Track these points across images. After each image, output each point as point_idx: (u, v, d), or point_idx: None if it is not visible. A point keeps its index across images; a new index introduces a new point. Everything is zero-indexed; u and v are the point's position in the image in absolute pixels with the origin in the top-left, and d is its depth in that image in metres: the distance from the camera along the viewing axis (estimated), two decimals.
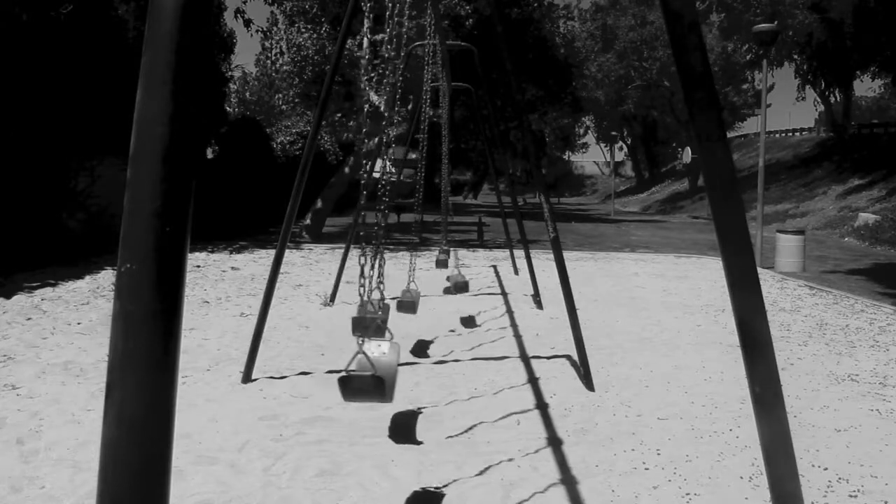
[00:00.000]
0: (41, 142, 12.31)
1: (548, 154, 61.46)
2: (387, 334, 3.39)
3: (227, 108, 27.73)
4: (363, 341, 3.04)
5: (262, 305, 5.75)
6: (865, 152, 35.01)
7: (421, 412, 4.93)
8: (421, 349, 6.80)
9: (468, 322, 8.21)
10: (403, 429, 4.59)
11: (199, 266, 12.57)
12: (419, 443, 4.34)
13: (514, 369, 6.14)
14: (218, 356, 6.39)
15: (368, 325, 3.19)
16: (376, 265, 3.80)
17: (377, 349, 3.12)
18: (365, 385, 2.93)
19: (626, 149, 72.47)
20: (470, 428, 4.62)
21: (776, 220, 29.02)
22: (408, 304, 6.09)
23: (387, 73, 3.74)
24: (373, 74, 16.93)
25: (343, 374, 2.96)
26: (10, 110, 11.67)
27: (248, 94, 40.39)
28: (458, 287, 8.05)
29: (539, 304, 9.36)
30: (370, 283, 3.43)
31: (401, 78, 10.34)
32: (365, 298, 3.25)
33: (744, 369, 2.24)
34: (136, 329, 1.24)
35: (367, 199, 3.68)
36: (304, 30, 18.06)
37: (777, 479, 2.26)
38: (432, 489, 3.68)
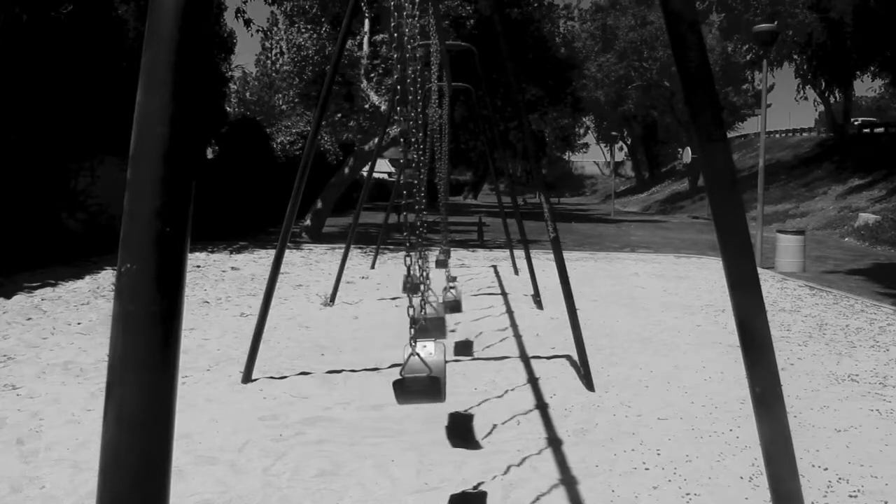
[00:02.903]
0: (41, 142, 12.31)
1: (548, 154, 61.44)
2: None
3: (227, 108, 27.73)
4: (415, 343, 3.04)
5: (262, 305, 5.75)
6: (865, 152, 35.02)
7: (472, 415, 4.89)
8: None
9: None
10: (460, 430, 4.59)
11: (199, 266, 12.57)
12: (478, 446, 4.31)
13: (514, 369, 6.14)
14: (218, 356, 6.39)
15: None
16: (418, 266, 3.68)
17: (424, 350, 3.12)
18: (420, 386, 2.95)
19: (626, 149, 72.48)
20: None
21: (776, 220, 29.02)
22: (452, 304, 6.08)
23: (392, 72, 3.73)
24: (373, 75, 16.94)
25: (398, 377, 2.96)
26: (10, 110, 11.67)
27: (248, 94, 40.43)
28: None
29: (539, 304, 9.36)
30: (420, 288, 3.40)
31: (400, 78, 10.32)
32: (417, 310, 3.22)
33: (744, 369, 2.24)
34: (136, 329, 1.23)
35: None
36: (304, 30, 18.06)
37: (777, 479, 2.26)
38: (432, 489, 3.68)
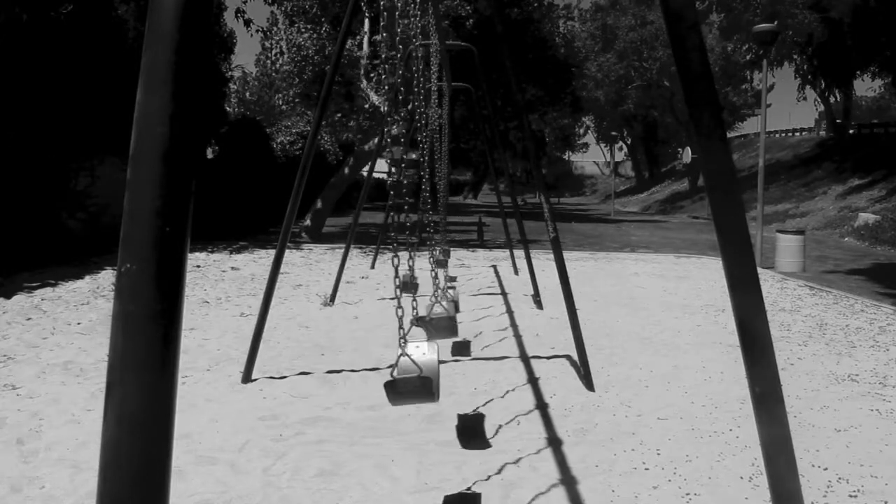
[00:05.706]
0: (41, 142, 12.31)
1: (548, 154, 61.47)
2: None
3: (227, 108, 27.72)
4: (405, 343, 3.03)
5: (262, 305, 5.75)
6: (865, 152, 35.02)
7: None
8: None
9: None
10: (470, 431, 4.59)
11: (199, 266, 12.56)
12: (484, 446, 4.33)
13: (514, 369, 6.14)
14: (218, 356, 6.39)
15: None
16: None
17: (416, 350, 3.11)
18: (412, 387, 2.93)
19: (626, 149, 72.47)
20: None
21: (776, 220, 29.02)
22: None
23: (386, 73, 3.71)
24: (373, 75, 16.93)
25: (389, 378, 2.95)
26: (10, 110, 11.67)
27: (248, 94, 40.42)
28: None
29: (539, 304, 9.36)
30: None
31: (400, 78, 10.34)
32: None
33: (744, 369, 2.24)
34: (136, 329, 1.23)
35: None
36: (304, 30, 18.05)
37: (777, 479, 2.26)
38: (432, 489, 3.68)
